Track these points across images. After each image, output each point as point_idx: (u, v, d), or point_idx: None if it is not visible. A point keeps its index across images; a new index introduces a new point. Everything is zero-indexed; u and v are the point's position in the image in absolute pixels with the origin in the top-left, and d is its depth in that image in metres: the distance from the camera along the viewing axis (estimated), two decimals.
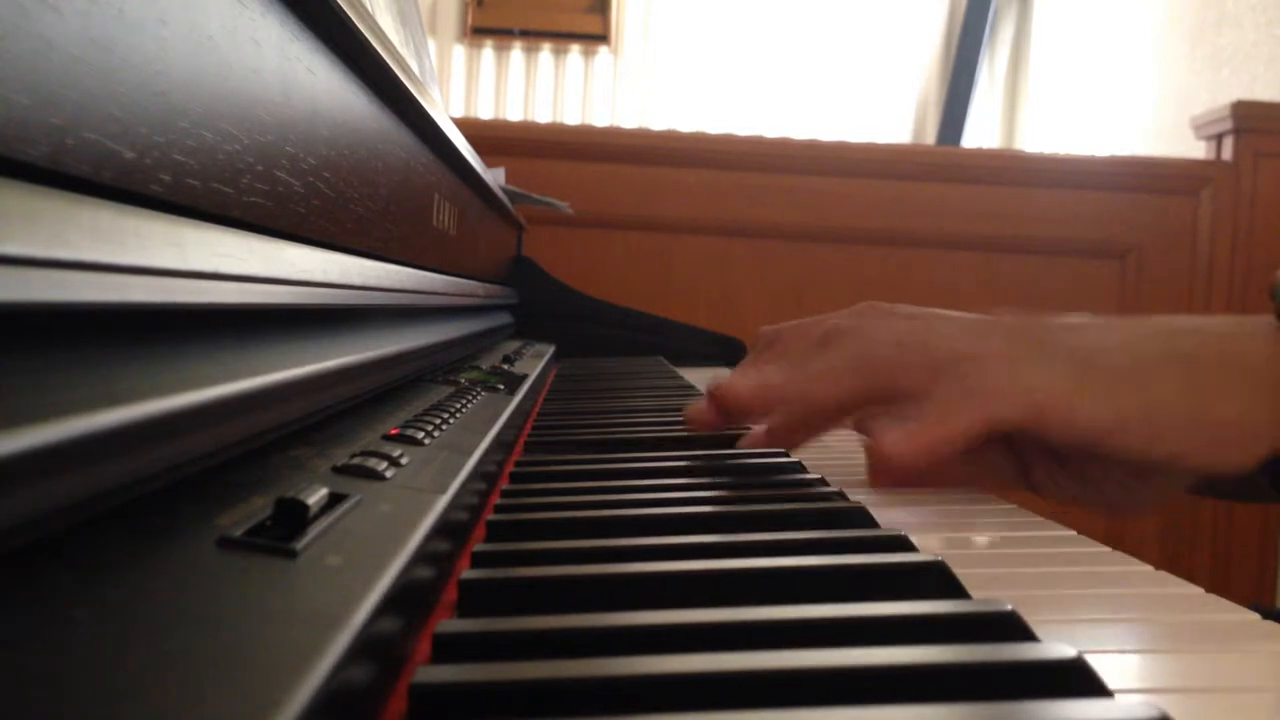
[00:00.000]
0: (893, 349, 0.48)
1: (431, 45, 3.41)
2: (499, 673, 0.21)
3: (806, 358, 0.51)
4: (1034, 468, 0.50)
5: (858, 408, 0.51)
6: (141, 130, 0.23)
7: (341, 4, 0.38)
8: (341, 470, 0.31)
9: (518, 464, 0.49)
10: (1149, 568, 0.35)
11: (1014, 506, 0.45)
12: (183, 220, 0.25)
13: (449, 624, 0.24)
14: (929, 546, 0.33)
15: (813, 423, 0.51)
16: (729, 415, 0.53)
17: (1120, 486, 0.49)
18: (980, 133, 3.49)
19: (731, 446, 0.54)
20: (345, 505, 0.27)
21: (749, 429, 0.55)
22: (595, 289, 1.44)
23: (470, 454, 0.39)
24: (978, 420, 0.45)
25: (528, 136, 1.76)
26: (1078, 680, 0.21)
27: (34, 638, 0.16)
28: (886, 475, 0.47)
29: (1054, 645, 0.22)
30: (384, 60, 0.46)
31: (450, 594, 0.28)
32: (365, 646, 0.19)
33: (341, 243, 0.44)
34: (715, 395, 0.52)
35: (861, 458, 0.51)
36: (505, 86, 3.64)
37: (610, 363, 1.21)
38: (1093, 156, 1.81)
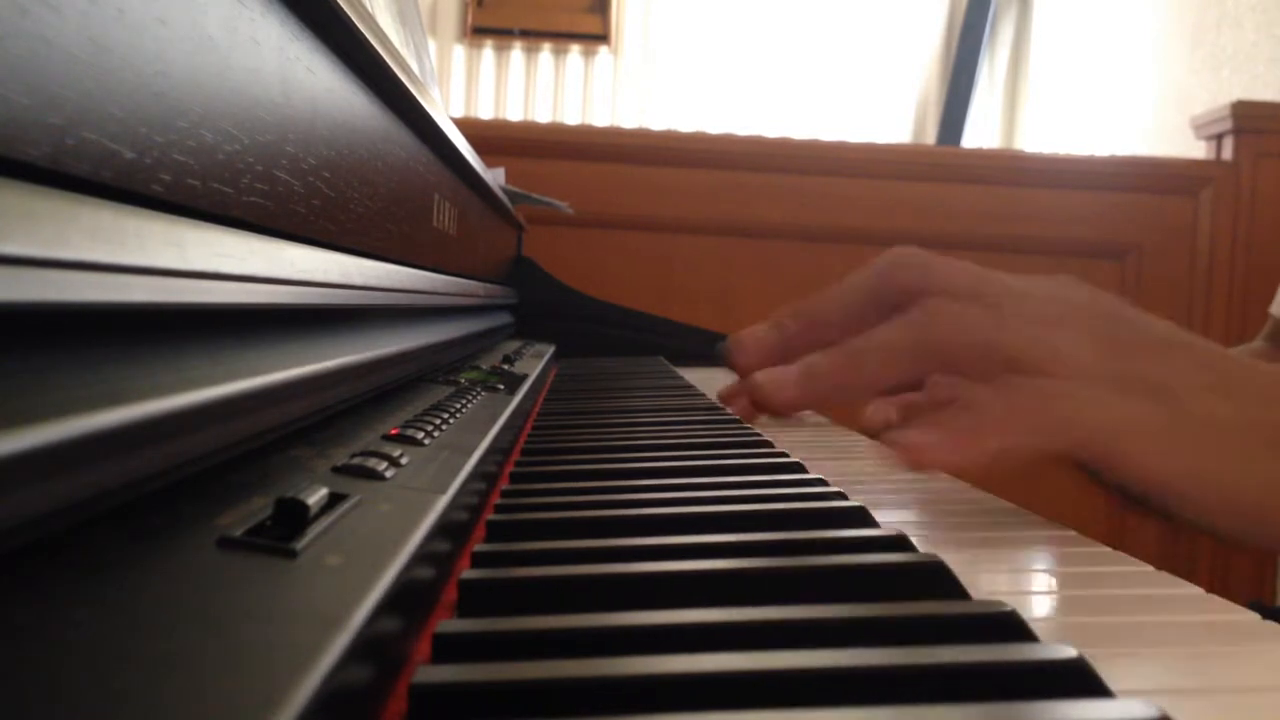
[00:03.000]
0: (949, 332, 0.42)
1: (431, 45, 3.41)
2: (499, 673, 0.21)
3: (856, 319, 0.44)
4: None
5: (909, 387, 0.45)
6: (141, 130, 0.23)
7: (341, 4, 0.38)
8: (341, 470, 0.31)
9: (518, 464, 0.49)
10: (1149, 568, 0.35)
11: (1013, 506, 0.46)
12: (183, 220, 0.25)
13: (449, 624, 0.24)
14: (927, 545, 0.33)
15: (852, 397, 0.46)
16: (766, 408, 0.48)
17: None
18: (980, 133, 3.49)
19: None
20: (345, 505, 0.27)
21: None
22: (595, 289, 1.44)
23: (470, 454, 0.39)
24: (1022, 440, 0.39)
25: (528, 136, 1.76)
26: (1078, 680, 0.21)
27: (34, 638, 0.16)
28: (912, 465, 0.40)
29: (1054, 645, 0.22)
30: (384, 60, 0.46)
31: (450, 594, 0.28)
32: (365, 646, 0.19)
33: (342, 243, 0.44)
34: (755, 390, 0.46)
35: (865, 460, 0.51)
36: (505, 86, 3.64)
37: (610, 363, 1.21)
38: (1093, 156, 1.81)
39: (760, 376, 0.48)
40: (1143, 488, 0.39)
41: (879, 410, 0.47)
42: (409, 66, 0.55)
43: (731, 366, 0.58)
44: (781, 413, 0.51)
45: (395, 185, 0.55)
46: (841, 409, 0.60)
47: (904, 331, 0.42)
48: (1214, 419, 0.39)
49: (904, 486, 0.51)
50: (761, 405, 0.51)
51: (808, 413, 0.84)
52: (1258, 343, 0.86)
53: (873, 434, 0.45)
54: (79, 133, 0.20)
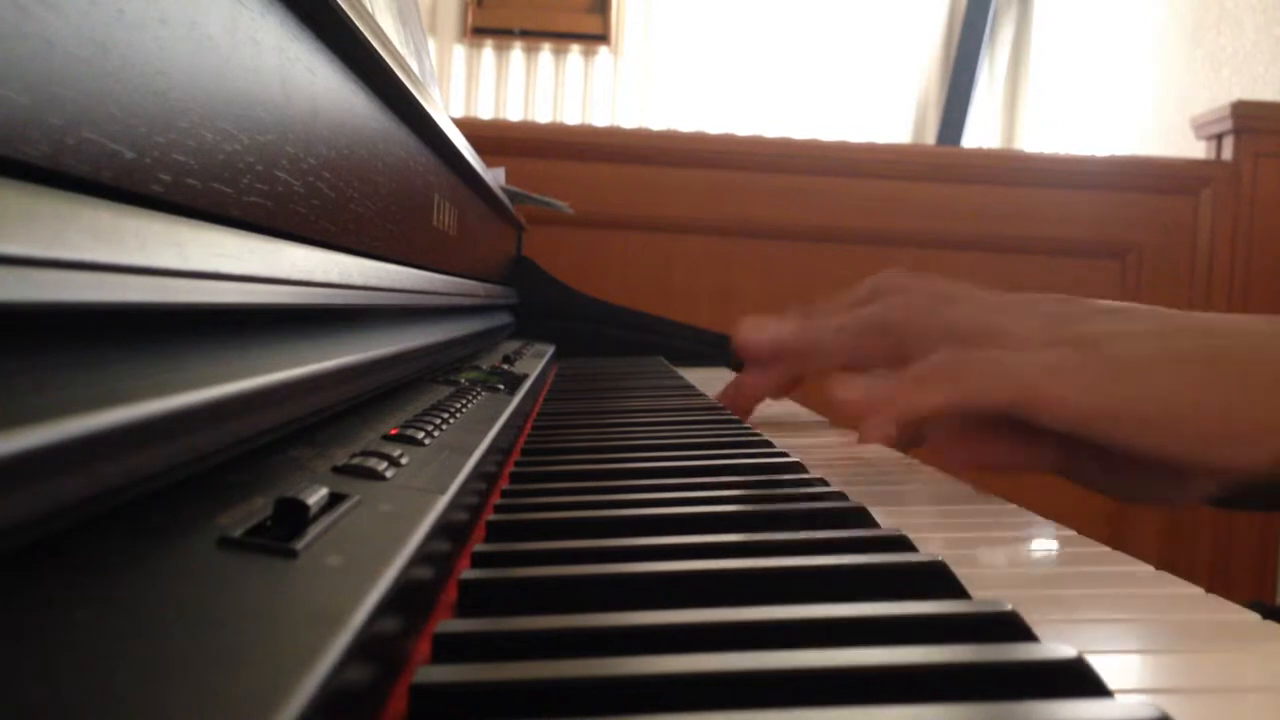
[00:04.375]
0: (904, 313, 0.49)
1: (431, 45, 3.41)
2: (499, 673, 0.21)
3: (828, 315, 0.53)
4: (1051, 451, 0.49)
5: (865, 365, 0.52)
6: (141, 130, 0.23)
7: (341, 4, 0.38)
8: (341, 470, 0.31)
9: (518, 464, 0.49)
10: (1149, 568, 0.35)
11: (1015, 507, 0.46)
12: (183, 220, 0.25)
13: (449, 624, 0.24)
14: (930, 548, 0.33)
15: (812, 370, 0.53)
16: (745, 359, 0.56)
17: (1141, 480, 0.47)
18: (980, 133, 3.49)
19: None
20: (345, 505, 0.27)
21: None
22: (595, 289, 1.44)
23: (470, 454, 0.39)
24: (952, 397, 0.45)
25: (528, 136, 1.76)
26: (1078, 680, 0.21)
27: (34, 638, 0.16)
28: (872, 433, 0.47)
29: (1054, 645, 0.22)
30: (384, 60, 0.46)
31: (450, 594, 0.28)
32: (365, 646, 0.19)
33: (341, 243, 0.44)
34: (737, 340, 0.54)
35: (866, 456, 0.52)
36: (505, 86, 3.64)
37: (610, 363, 1.21)
38: (1093, 156, 1.81)
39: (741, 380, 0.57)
40: (1068, 425, 0.45)
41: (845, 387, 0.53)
42: (409, 66, 0.55)
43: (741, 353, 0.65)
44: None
45: (395, 185, 0.55)
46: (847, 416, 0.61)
47: (862, 312, 0.50)
48: (1135, 356, 0.44)
49: (903, 487, 0.51)
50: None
51: (807, 412, 0.84)
52: None
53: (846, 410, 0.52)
54: (79, 133, 0.20)
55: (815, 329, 0.53)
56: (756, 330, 0.55)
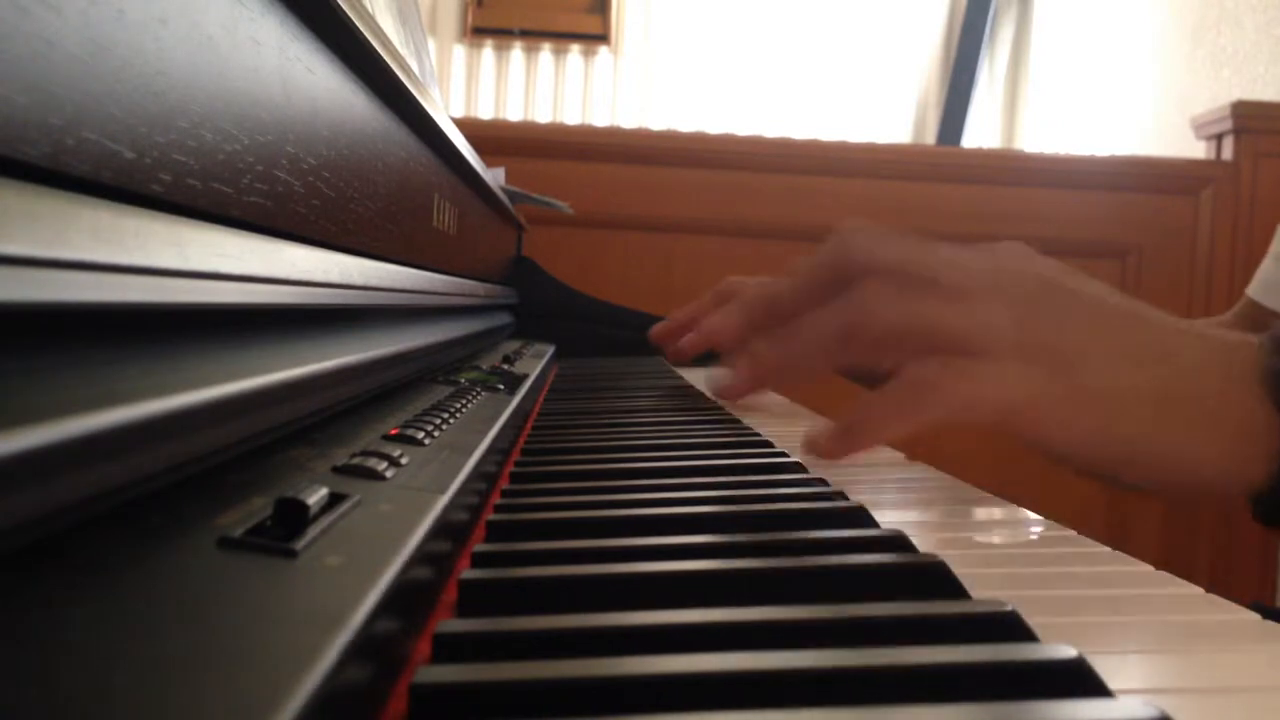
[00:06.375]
0: (881, 320, 0.43)
1: (431, 45, 3.41)
2: (499, 673, 0.21)
3: (812, 303, 0.46)
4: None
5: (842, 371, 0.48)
6: (141, 130, 0.23)
7: (341, 4, 0.38)
8: (341, 470, 0.31)
9: (518, 464, 0.49)
10: (1149, 568, 0.35)
11: (1015, 506, 0.45)
12: (183, 220, 0.25)
13: (449, 624, 0.24)
14: (928, 545, 0.33)
15: (796, 380, 0.49)
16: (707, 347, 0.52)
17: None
18: (980, 133, 3.49)
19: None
20: (345, 505, 0.27)
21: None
22: (595, 289, 1.44)
23: (470, 454, 0.39)
24: (936, 414, 0.43)
25: (528, 136, 1.76)
26: (1079, 680, 0.21)
27: (34, 638, 0.16)
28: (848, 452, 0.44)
29: (1055, 645, 0.22)
30: (384, 60, 0.46)
31: (450, 594, 0.28)
32: (365, 646, 0.19)
33: (341, 243, 0.44)
34: (703, 330, 0.51)
35: (861, 458, 0.52)
36: (505, 86, 3.64)
37: (610, 363, 1.21)
38: (1093, 156, 1.81)
39: (717, 373, 0.50)
40: (1052, 452, 0.43)
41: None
42: (409, 66, 0.55)
43: (677, 353, 0.62)
44: (729, 397, 0.55)
45: (395, 185, 0.55)
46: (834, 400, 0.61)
47: (832, 316, 0.43)
48: (1113, 387, 0.42)
49: (903, 485, 0.51)
50: (719, 395, 0.55)
51: (808, 412, 0.84)
52: (1226, 316, 0.89)
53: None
54: (79, 133, 0.20)
55: (786, 348, 0.46)
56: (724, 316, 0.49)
